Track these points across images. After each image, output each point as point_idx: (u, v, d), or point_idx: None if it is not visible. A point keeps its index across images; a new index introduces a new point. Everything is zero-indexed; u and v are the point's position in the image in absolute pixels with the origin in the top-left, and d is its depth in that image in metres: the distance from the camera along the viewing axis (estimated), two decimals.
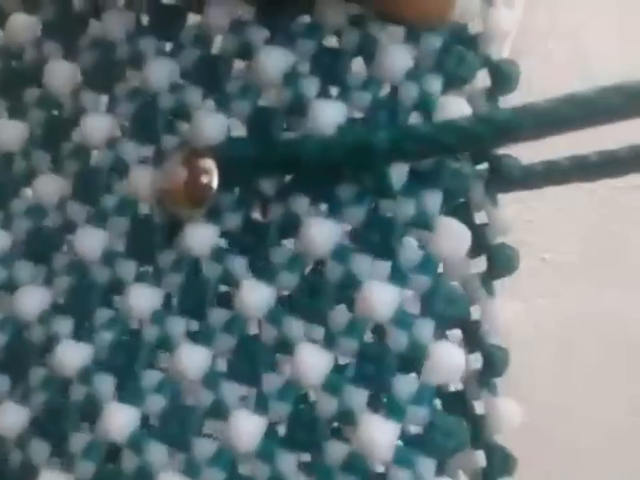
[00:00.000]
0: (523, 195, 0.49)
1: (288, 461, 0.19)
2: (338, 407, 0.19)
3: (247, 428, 0.19)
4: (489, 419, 0.24)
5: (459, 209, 0.25)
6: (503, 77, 0.23)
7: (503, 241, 0.25)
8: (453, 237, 0.20)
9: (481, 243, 0.25)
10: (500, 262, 0.25)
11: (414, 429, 0.20)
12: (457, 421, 0.20)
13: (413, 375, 0.20)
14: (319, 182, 0.20)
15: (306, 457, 0.20)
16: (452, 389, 0.26)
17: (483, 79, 0.24)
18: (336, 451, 0.19)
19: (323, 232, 0.20)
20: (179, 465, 0.20)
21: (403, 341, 0.19)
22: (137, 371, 0.20)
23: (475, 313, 0.26)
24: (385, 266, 0.20)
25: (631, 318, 0.47)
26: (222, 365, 0.20)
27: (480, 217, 0.25)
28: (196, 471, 0.20)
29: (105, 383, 0.20)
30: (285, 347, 0.20)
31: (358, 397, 0.19)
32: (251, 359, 0.20)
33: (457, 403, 0.25)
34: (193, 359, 0.20)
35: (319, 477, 0.19)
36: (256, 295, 0.20)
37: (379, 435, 0.19)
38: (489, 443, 0.24)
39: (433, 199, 0.20)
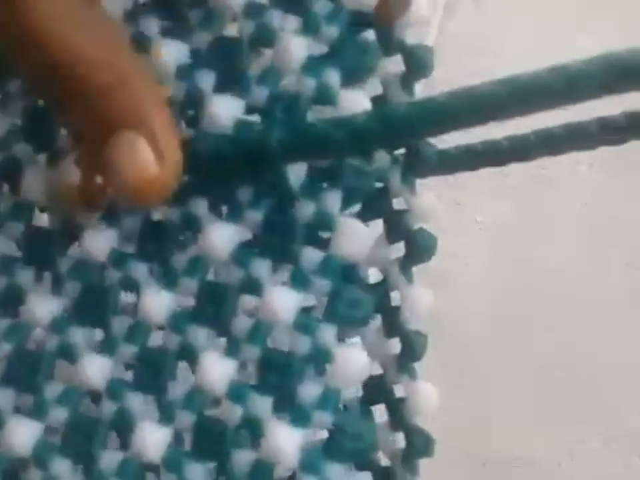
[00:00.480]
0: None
1: (195, 470, 0.19)
2: (243, 415, 0.19)
3: (153, 438, 0.19)
4: (408, 402, 0.24)
5: (377, 196, 0.24)
6: (417, 63, 0.22)
7: (422, 226, 0.25)
8: (353, 237, 0.20)
9: (399, 229, 0.24)
10: (419, 247, 0.24)
11: (321, 434, 0.20)
12: (364, 424, 0.20)
13: (318, 379, 0.20)
14: (218, 183, 0.20)
15: (213, 466, 0.20)
16: (372, 373, 0.26)
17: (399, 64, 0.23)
18: (242, 458, 0.19)
19: (222, 236, 0.19)
20: (84, 479, 0.19)
21: (306, 345, 0.19)
22: (39, 383, 0.20)
23: (395, 299, 0.25)
24: (286, 269, 0.20)
25: (561, 271, 0.48)
26: (127, 375, 0.20)
27: (399, 203, 0.25)
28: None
29: (6, 397, 0.20)
30: (189, 355, 0.20)
31: (263, 404, 0.19)
32: (155, 368, 0.19)
33: (376, 387, 0.26)
34: (95, 369, 0.19)
35: None
36: (157, 302, 0.19)
37: (285, 441, 0.19)
38: (408, 426, 0.25)
39: (333, 199, 0.19)
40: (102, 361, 0.19)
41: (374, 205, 0.24)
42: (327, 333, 0.19)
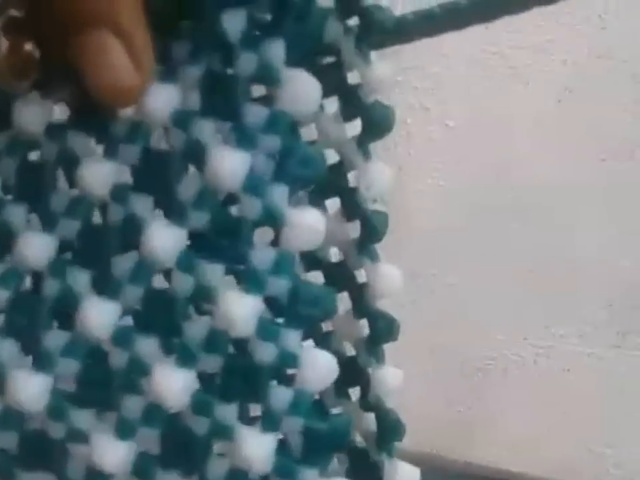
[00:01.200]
0: (421, 60, 0.48)
1: (146, 345, 0.18)
2: (194, 285, 0.18)
3: (99, 315, 0.18)
4: (370, 286, 0.24)
5: (329, 71, 0.23)
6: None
7: (377, 99, 0.23)
8: (301, 90, 0.18)
9: (354, 104, 0.23)
10: (375, 121, 0.23)
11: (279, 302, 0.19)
12: (322, 289, 0.19)
13: (270, 247, 0.18)
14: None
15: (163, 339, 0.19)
16: (333, 259, 0.25)
17: None
18: (195, 328, 0.18)
19: (161, 100, 0.18)
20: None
21: (257, 208, 0.18)
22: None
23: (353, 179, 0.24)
24: (231, 128, 0.18)
25: (536, 171, 0.47)
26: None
27: (353, 77, 0.24)
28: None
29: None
30: (134, 227, 0.18)
31: (214, 272, 0.18)
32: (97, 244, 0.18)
33: (337, 273, 0.25)
34: (34, 245, 0.18)
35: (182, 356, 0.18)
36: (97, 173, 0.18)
37: (239, 308, 0.18)
38: (371, 310, 0.24)
39: (276, 49, 0.18)
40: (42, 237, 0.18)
41: (326, 80, 0.22)
42: (278, 194, 0.18)
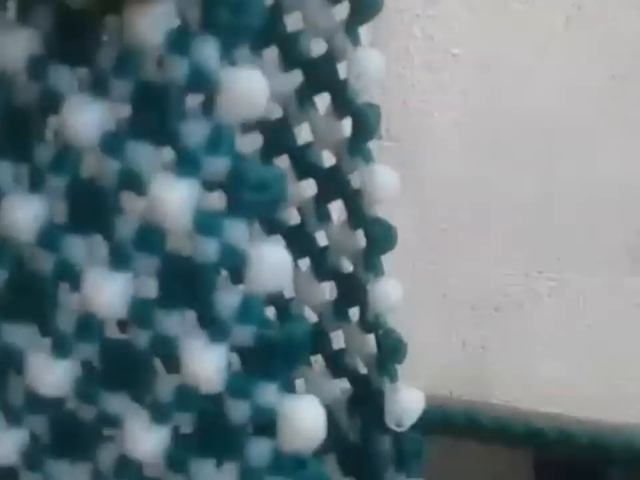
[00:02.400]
0: None
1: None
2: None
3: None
4: (365, 190, 0.21)
5: None
6: None
7: None
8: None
9: None
10: (363, 2, 0.20)
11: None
12: (268, 169, 0.16)
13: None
14: None
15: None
16: (325, 165, 0.23)
17: None
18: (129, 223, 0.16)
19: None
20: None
21: (184, 69, 0.14)
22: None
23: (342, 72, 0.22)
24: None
25: (539, 108, 0.45)
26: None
27: None
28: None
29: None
30: None
31: (143, 155, 0.15)
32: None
33: (330, 179, 0.22)
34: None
35: None
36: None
37: (172, 198, 0.15)
38: (367, 217, 0.21)
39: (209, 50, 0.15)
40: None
41: None
42: (209, 51, 0.14)
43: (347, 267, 0.23)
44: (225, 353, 0.15)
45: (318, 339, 0.24)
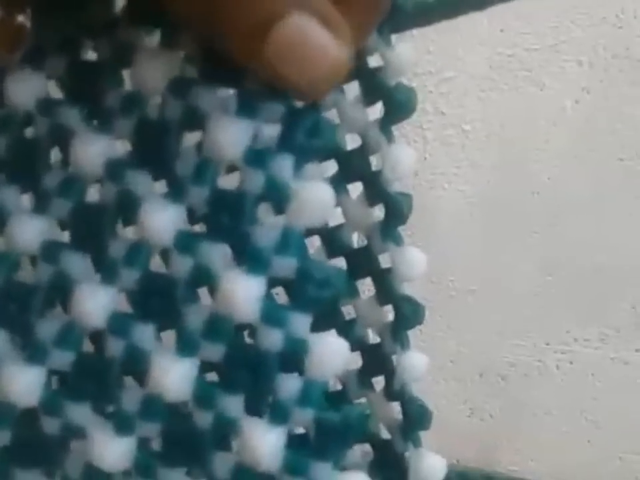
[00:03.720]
0: (435, 65, 0.48)
1: (143, 333, 0.17)
2: (194, 266, 0.17)
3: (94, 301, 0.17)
4: (395, 269, 0.23)
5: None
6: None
7: (400, 81, 0.23)
8: None
9: (376, 87, 0.23)
10: (397, 103, 0.23)
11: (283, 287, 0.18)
12: (330, 267, 0.18)
13: (278, 218, 0.18)
14: None
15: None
16: (355, 245, 0.25)
17: None
18: (195, 313, 0.17)
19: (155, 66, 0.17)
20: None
21: (260, 181, 0.16)
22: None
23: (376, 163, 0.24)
24: (232, 96, 0.17)
25: (554, 173, 0.47)
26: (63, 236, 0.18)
27: (375, 60, 0.24)
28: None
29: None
30: (129, 204, 0.17)
31: (215, 253, 0.17)
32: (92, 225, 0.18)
33: (361, 258, 0.24)
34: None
35: None
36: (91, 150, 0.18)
37: (242, 291, 0.16)
38: (396, 294, 0.23)
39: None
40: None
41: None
42: (283, 164, 0.16)
43: (374, 338, 0.25)
44: (284, 434, 0.17)
45: (342, 406, 0.25)
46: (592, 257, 0.46)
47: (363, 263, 0.24)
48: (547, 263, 0.46)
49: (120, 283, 0.17)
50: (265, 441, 0.16)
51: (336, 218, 0.25)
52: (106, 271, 0.17)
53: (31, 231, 0.18)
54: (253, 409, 0.17)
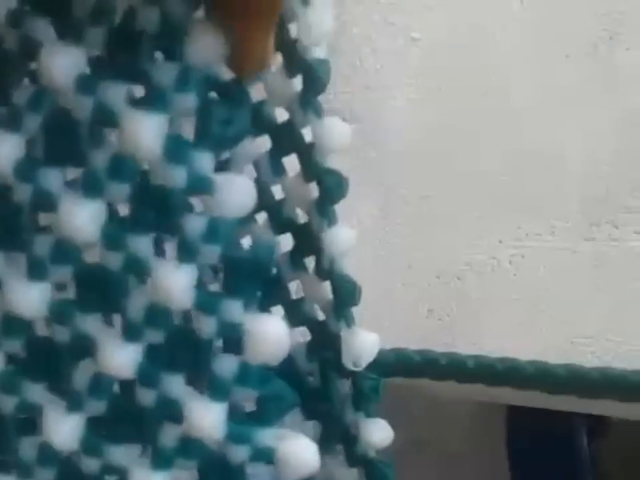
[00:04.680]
0: None
1: None
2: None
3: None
4: (317, 143, 0.23)
5: None
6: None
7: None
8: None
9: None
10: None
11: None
12: (235, 106, 0.17)
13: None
14: None
15: None
16: (278, 121, 0.24)
17: None
18: None
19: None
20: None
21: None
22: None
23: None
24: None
25: (504, 73, 0.46)
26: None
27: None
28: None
29: None
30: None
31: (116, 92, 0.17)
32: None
33: (284, 135, 0.24)
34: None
35: None
36: None
37: (142, 132, 0.16)
38: (321, 169, 0.23)
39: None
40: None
41: None
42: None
43: (302, 218, 0.24)
44: (194, 271, 0.17)
45: (277, 290, 0.25)
46: (545, 154, 0.46)
47: (286, 137, 0.23)
48: (497, 163, 0.46)
49: (25, 129, 0.17)
50: (175, 279, 0.17)
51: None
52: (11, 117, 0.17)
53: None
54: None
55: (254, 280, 0.17)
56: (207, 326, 0.17)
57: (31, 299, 0.17)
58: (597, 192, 0.47)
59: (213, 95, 0.17)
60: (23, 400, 0.18)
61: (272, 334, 0.17)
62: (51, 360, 0.18)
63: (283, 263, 0.25)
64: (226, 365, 0.17)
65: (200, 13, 0.17)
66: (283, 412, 0.18)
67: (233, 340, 0.17)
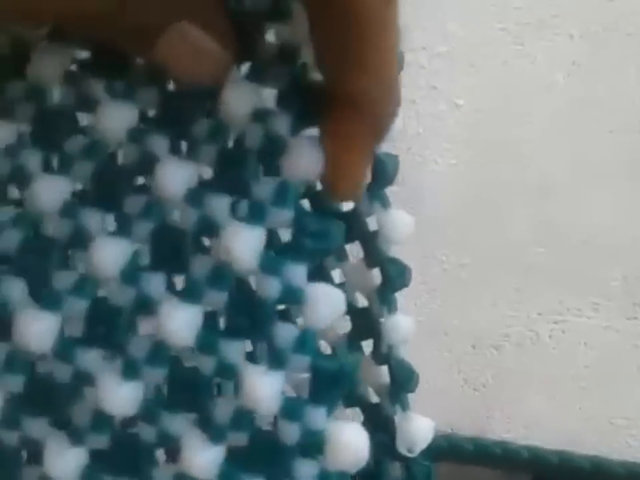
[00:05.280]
0: (428, 41, 0.48)
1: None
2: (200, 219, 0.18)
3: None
4: (381, 232, 0.23)
5: None
6: None
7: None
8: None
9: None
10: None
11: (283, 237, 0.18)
12: (327, 219, 0.18)
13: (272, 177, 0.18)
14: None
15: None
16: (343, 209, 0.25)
17: None
18: (202, 262, 0.18)
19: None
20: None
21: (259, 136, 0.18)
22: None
23: None
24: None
25: (543, 145, 0.47)
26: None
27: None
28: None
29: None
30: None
31: (220, 205, 0.18)
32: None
33: (350, 221, 0.24)
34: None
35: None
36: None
37: (241, 243, 0.17)
38: (383, 257, 0.23)
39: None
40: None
41: None
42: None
43: (362, 302, 0.25)
44: (281, 378, 0.17)
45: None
46: (582, 228, 0.46)
47: (351, 225, 0.24)
48: (538, 235, 0.46)
49: (134, 236, 0.18)
50: (264, 385, 0.17)
51: None
52: (122, 226, 0.19)
53: (53, 191, 0.18)
54: (253, 356, 0.18)
55: (338, 389, 0.17)
56: (290, 432, 0.17)
57: (124, 397, 0.17)
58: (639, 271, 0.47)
59: (307, 206, 0.18)
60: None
61: (354, 442, 0.17)
62: (134, 456, 0.18)
63: (339, 345, 0.25)
64: (308, 471, 0.17)
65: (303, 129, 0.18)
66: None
67: (315, 446, 0.17)
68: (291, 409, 0.17)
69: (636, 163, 0.47)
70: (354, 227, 0.24)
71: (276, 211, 0.17)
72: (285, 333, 0.17)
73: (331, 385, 0.17)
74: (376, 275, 0.24)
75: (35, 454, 0.18)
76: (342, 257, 0.25)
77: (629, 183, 0.47)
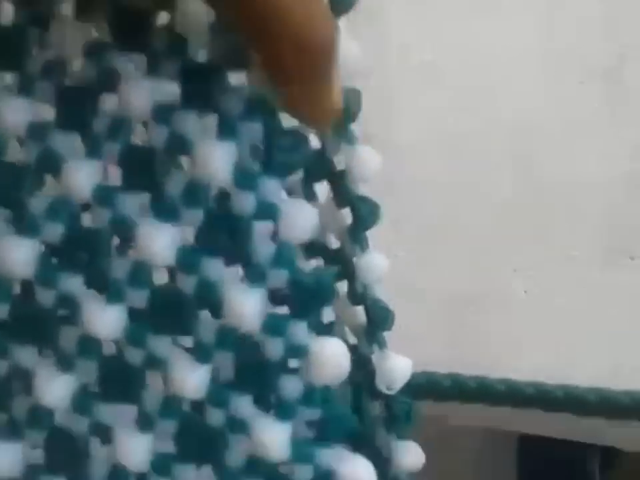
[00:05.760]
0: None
1: None
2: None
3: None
4: (349, 171, 0.23)
5: None
6: None
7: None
8: None
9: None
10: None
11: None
12: (297, 134, 0.18)
13: None
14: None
15: None
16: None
17: None
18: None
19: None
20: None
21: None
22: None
23: None
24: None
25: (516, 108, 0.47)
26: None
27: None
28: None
29: None
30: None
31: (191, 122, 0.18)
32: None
33: (317, 162, 0.24)
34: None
35: None
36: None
37: (215, 158, 0.17)
38: (353, 196, 0.23)
39: None
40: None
41: None
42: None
43: (334, 243, 0.25)
44: (263, 295, 0.17)
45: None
46: (560, 185, 0.47)
47: (318, 163, 0.24)
48: (514, 192, 0.46)
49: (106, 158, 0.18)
50: (246, 301, 0.18)
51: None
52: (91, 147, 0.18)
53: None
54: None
55: (319, 303, 0.18)
56: (273, 347, 0.17)
57: (109, 320, 0.18)
58: (613, 221, 0.47)
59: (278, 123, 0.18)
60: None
61: (335, 356, 0.17)
62: (123, 380, 0.18)
63: None
64: (292, 386, 0.17)
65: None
66: (345, 433, 0.19)
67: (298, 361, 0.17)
68: (273, 325, 0.18)
69: (608, 113, 0.48)
70: (321, 165, 0.24)
71: (246, 125, 0.18)
72: (262, 248, 0.17)
73: (311, 298, 0.18)
74: (346, 215, 0.24)
75: (25, 383, 0.18)
76: (311, 197, 0.25)
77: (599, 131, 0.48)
